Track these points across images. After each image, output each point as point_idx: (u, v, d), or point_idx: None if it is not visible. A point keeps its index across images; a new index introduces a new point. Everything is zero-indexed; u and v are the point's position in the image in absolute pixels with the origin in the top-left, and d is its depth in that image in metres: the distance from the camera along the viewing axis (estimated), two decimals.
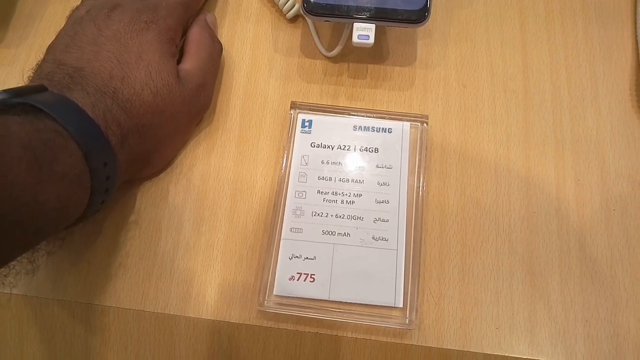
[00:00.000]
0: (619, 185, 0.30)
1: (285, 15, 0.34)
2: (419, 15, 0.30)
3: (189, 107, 0.29)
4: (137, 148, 0.27)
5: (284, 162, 0.29)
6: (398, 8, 0.29)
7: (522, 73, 0.33)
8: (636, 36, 0.34)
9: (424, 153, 0.29)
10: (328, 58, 0.33)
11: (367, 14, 0.29)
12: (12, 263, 0.23)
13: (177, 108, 0.28)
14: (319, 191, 0.29)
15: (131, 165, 0.27)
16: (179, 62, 0.30)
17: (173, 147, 0.30)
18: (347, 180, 0.29)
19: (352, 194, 0.28)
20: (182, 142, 0.31)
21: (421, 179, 0.29)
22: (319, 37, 0.33)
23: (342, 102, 0.32)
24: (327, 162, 0.29)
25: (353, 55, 0.33)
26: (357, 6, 0.30)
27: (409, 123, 0.30)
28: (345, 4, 0.30)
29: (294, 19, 0.34)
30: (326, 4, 0.30)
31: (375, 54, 0.33)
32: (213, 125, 0.31)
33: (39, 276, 0.27)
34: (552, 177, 0.30)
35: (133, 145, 0.26)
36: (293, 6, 0.34)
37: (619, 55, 0.33)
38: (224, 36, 0.34)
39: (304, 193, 0.29)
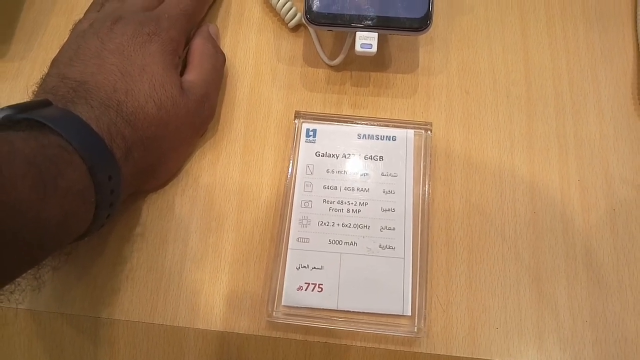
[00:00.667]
0: (623, 188, 0.29)
1: (287, 24, 0.34)
2: (421, 23, 0.29)
3: (193, 119, 0.29)
4: (141, 161, 0.26)
5: (290, 171, 0.29)
6: (400, 16, 0.29)
7: (524, 78, 0.32)
8: (637, 39, 0.33)
9: (428, 160, 0.29)
10: (331, 67, 0.33)
11: (370, 23, 0.29)
12: (18, 280, 0.22)
13: (181, 120, 0.28)
14: (324, 200, 0.28)
15: (136, 178, 0.26)
16: (182, 73, 0.30)
17: (178, 159, 0.29)
18: (353, 189, 0.28)
19: (357, 203, 0.28)
20: (186, 153, 0.30)
21: (426, 187, 0.28)
22: (321, 46, 0.33)
23: (346, 111, 0.31)
24: (332, 171, 0.29)
25: (355, 63, 0.33)
26: (359, 15, 0.29)
27: (412, 130, 0.30)
28: (348, 13, 0.29)
29: (296, 28, 0.34)
30: (329, 13, 0.29)
31: (378, 62, 0.33)
32: (218, 135, 0.31)
33: (46, 291, 0.27)
34: (556, 182, 0.29)
35: (138, 158, 0.26)
36: (295, 15, 0.33)
37: (620, 59, 0.33)
38: (226, 46, 0.33)
39: (309, 202, 0.28)
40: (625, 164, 0.30)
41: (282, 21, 0.34)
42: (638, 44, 0.33)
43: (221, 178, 0.30)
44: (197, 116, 0.29)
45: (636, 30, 0.33)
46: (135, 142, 0.26)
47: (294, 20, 0.33)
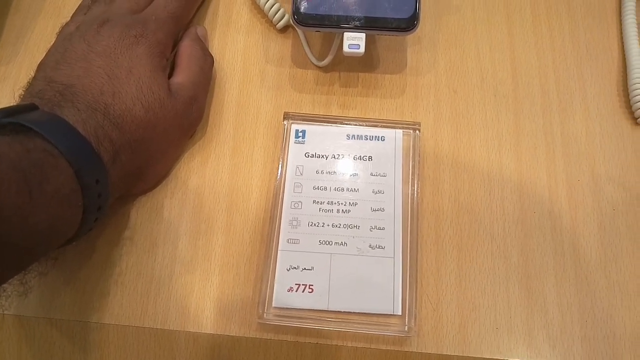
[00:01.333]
0: (609, 185, 0.29)
1: (275, 25, 0.33)
2: (409, 23, 0.29)
3: (181, 121, 0.28)
4: (129, 164, 0.26)
5: (279, 172, 0.29)
6: (388, 17, 0.29)
7: (511, 77, 0.32)
8: (621, 37, 0.33)
9: (417, 160, 0.29)
10: (319, 68, 0.32)
11: (357, 24, 0.29)
12: (4, 285, 0.22)
13: (170, 122, 0.27)
14: (314, 201, 0.28)
15: (124, 181, 0.26)
16: (170, 75, 0.29)
17: (166, 162, 0.29)
18: (342, 190, 0.28)
19: (347, 203, 0.28)
20: (175, 156, 0.30)
21: (415, 186, 0.28)
22: (309, 47, 0.32)
23: (335, 111, 0.31)
24: (322, 172, 0.29)
25: (344, 64, 0.32)
26: (347, 16, 0.29)
27: (401, 130, 0.30)
28: (335, 13, 0.29)
29: (284, 29, 0.34)
30: (316, 14, 0.29)
31: (366, 62, 0.32)
32: (206, 137, 0.30)
33: (33, 296, 0.26)
34: (544, 180, 0.30)
35: (125, 161, 0.25)
36: (283, 17, 0.33)
37: (606, 57, 0.33)
38: (214, 48, 0.33)
39: (299, 203, 0.28)
40: (611, 162, 0.30)
41: (270, 22, 0.34)
42: (623, 43, 0.33)
43: (210, 180, 0.29)
44: (185, 118, 0.29)
45: (621, 29, 0.33)
46: (122, 145, 0.25)
47: (282, 22, 0.33)
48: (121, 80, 0.26)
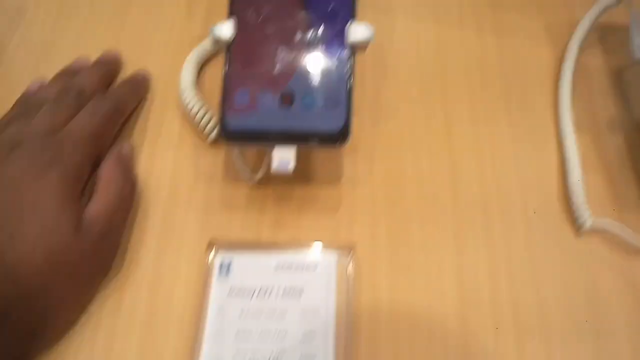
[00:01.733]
0: (557, 309, 0.27)
1: (207, 137, 0.31)
2: (339, 136, 0.26)
3: (91, 261, 0.25)
4: (23, 321, 0.22)
5: (199, 319, 0.25)
6: (317, 130, 0.26)
7: (450, 186, 0.30)
8: (559, 140, 0.31)
9: (352, 291, 0.26)
10: (251, 183, 0.29)
11: (286, 138, 0.26)
12: None
13: (76, 265, 0.24)
14: (237, 352, 0.24)
15: (15, 344, 0.22)
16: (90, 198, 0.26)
17: (69, 314, 0.25)
18: (269, 333, 0.24)
19: (273, 351, 0.24)
20: (83, 302, 0.26)
21: (350, 323, 0.25)
22: (241, 161, 0.30)
23: (266, 233, 0.28)
24: (247, 313, 0.25)
25: (278, 178, 0.29)
26: (275, 131, 0.26)
27: (335, 255, 0.27)
28: (264, 129, 0.26)
29: (217, 141, 0.31)
30: (243, 129, 0.26)
31: (301, 175, 0.30)
32: (122, 275, 0.26)
33: None
34: (486, 300, 0.26)
35: (17, 319, 0.22)
36: (214, 129, 0.30)
37: (545, 162, 0.31)
38: (142, 164, 0.30)
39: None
40: (555, 280, 0.27)
41: (201, 134, 0.31)
42: (560, 143, 0.31)
43: (122, 332, 0.25)
44: (95, 257, 0.25)
45: (559, 138, 0.32)
46: (14, 301, 0.22)
47: (213, 134, 0.31)
48: (22, 219, 0.23)
